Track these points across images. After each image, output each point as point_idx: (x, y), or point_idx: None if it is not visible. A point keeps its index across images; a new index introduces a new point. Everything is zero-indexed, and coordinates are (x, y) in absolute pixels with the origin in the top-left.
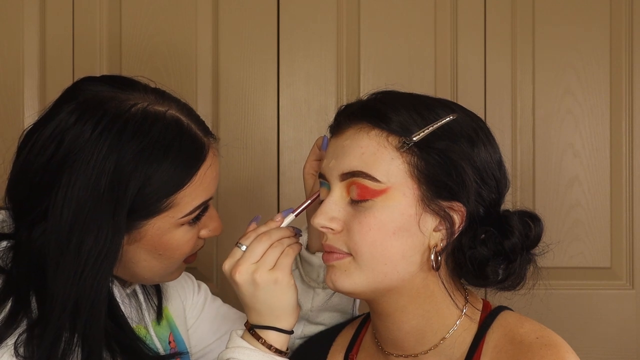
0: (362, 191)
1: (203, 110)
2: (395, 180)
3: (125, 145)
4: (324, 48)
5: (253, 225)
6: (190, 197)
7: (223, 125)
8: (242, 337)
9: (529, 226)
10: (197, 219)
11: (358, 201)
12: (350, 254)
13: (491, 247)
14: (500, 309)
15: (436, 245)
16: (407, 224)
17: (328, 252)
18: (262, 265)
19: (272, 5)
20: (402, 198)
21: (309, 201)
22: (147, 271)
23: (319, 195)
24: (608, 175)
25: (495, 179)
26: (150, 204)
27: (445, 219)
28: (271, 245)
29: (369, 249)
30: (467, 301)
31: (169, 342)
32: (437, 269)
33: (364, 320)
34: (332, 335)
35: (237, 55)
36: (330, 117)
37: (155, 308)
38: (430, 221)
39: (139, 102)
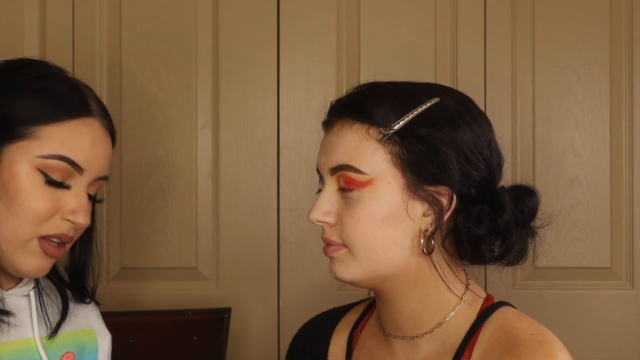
0: (348, 184)
1: (203, 110)
2: (379, 171)
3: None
4: (324, 48)
5: None
6: (52, 138)
7: (223, 125)
8: None
9: (522, 201)
10: (55, 184)
11: (346, 190)
12: (345, 246)
13: (486, 225)
14: (502, 303)
15: (426, 230)
16: (395, 211)
17: (326, 244)
18: None
19: (272, 5)
20: (388, 187)
21: None
22: None
23: None
24: (608, 175)
25: (484, 158)
26: (12, 126)
27: (434, 203)
28: None
29: (360, 239)
30: (467, 289)
31: None
32: (429, 252)
33: (371, 303)
34: (341, 313)
35: (237, 55)
36: None
37: (50, 325)
38: (418, 207)
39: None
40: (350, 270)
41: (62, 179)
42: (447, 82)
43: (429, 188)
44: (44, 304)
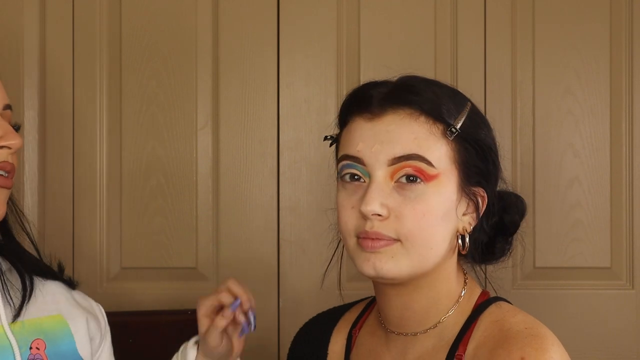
0: (418, 172)
1: (203, 110)
2: (444, 167)
3: None
4: (324, 48)
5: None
6: None
7: (223, 125)
8: None
9: (521, 203)
10: None
11: (411, 180)
12: (398, 240)
13: (499, 224)
14: (497, 299)
15: (465, 229)
16: (450, 209)
17: (373, 239)
18: None
19: (272, 5)
20: (448, 184)
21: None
22: None
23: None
24: (608, 175)
25: (498, 161)
26: None
27: (475, 202)
28: None
29: (420, 234)
30: (465, 284)
31: (31, 348)
32: (466, 252)
33: (370, 302)
34: (340, 312)
35: (237, 55)
36: (330, 117)
37: (13, 306)
38: (463, 206)
39: None
40: (400, 265)
41: None
42: (447, 82)
43: (473, 188)
44: (6, 287)
